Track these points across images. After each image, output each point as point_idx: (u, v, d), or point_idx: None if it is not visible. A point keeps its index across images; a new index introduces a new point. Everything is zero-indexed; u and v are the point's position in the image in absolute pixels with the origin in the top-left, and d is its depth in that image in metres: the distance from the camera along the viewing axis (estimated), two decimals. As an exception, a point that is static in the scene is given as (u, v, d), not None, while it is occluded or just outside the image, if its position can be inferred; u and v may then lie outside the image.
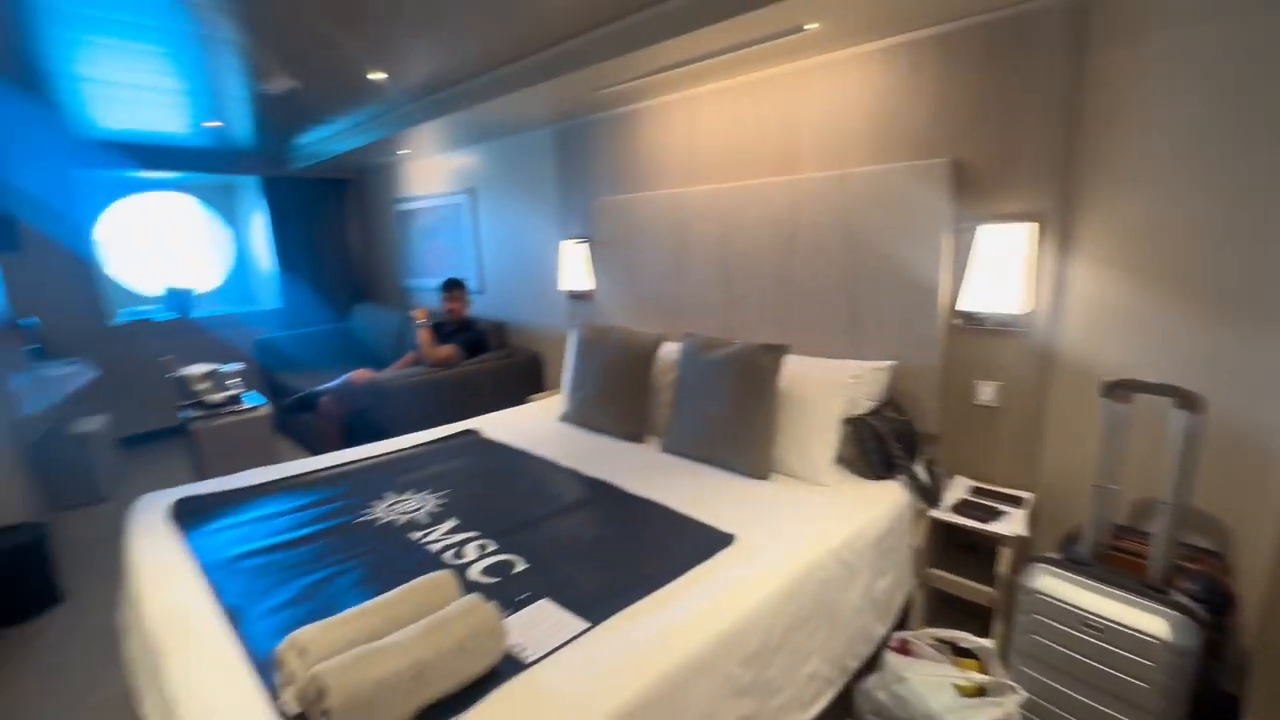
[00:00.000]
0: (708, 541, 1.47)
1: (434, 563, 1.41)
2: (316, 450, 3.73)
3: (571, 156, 3.17)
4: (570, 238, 3.16)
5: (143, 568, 1.44)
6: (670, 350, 2.35)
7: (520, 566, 1.39)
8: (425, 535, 1.55)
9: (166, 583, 1.36)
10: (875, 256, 1.99)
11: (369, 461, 2.09)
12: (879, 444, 1.85)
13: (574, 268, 3.10)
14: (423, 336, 3.33)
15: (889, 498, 1.76)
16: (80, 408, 3.47)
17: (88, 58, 2.35)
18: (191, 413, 3.07)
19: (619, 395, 2.32)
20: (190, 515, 1.66)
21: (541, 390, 3.53)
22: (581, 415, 2.44)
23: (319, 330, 4.80)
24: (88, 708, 1.82)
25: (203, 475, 3.06)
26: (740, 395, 1.92)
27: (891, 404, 1.99)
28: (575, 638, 1.12)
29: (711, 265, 2.47)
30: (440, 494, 1.81)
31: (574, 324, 2.74)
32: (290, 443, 3.99)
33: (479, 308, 3.94)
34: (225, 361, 3.70)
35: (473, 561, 1.41)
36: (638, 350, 2.35)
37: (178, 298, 4.47)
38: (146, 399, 4.15)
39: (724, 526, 1.54)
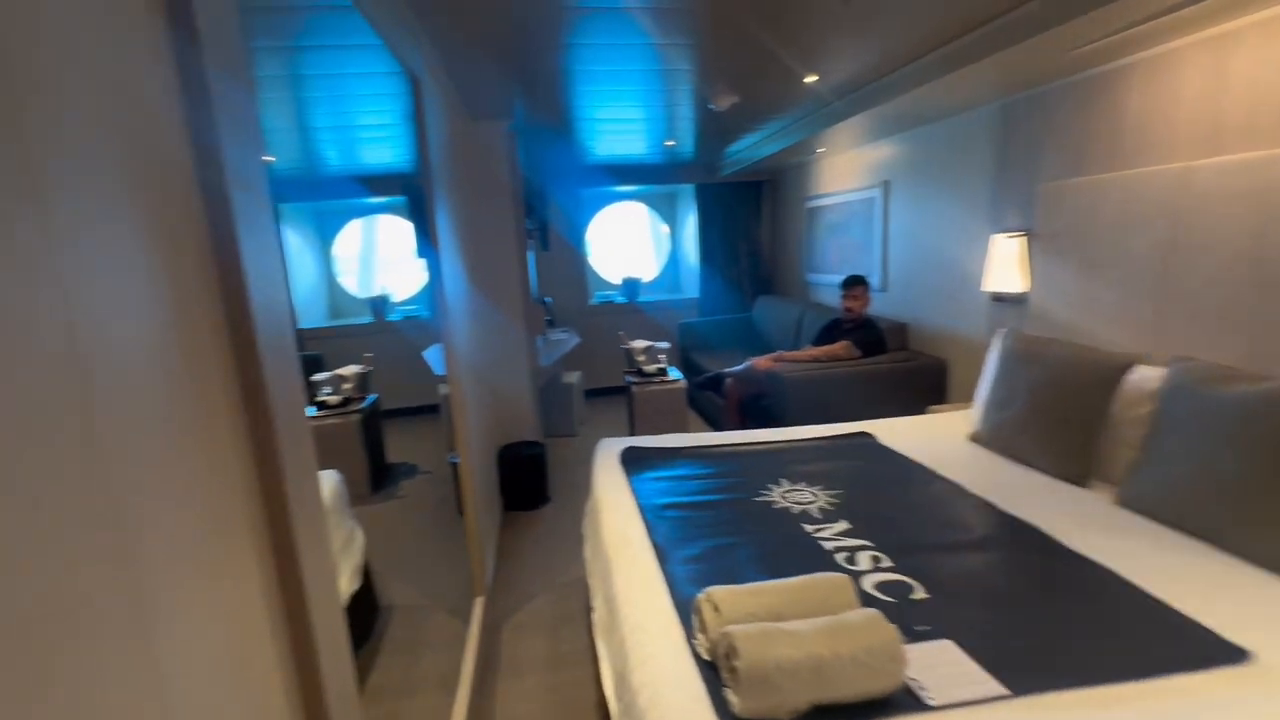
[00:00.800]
0: (1198, 647, 1.08)
1: (826, 561, 1.42)
2: (717, 425, 4.23)
3: (1016, 135, 2.70)
4: (1002, 230, 2.72)
5: (602, 496, 1.87)
6: (1146, 377, 1.79)
7: (919, 593, 1.28)
8: (818, 530, 1.57)
9: (617, 512, 1.73)
10: None
11: (765, 446, 2.23)
12: None
13: (1004, 265, 2.66)
14: (786, 355, 3.42)
15: None
16: (567, 364, 4.73)
17: (593, 104, 3.11)
18: (632, 378, 3.84)
19: (1059, 424, 1.90)
20: (632, 462, 2.08)
21: (944, 401, 3.17)
22: (1000, 439, 2.09)
23: (728, 318, 5.38)
24: (556, 585, 2.49)
25: (633, 427, 3.82)
26: None
27: None
28: (991, 700, 0.96)
29: (1232, 266, 1.77)
30: (832, 492, 1.81)
31: (997, 331, 2.36)
32: (695, 415, 4.61)
33: (879, 306, 3.77)
34: (657, 340, 4.50)
35: (866, 572, 1.37)
36: (1094, 371, 1.87)
37: (630, 286, 5.63)
38: (605, 362, 5.39)
39: (1229, 634, 1.10)
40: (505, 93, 2.75)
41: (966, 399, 2.77)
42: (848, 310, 3.43)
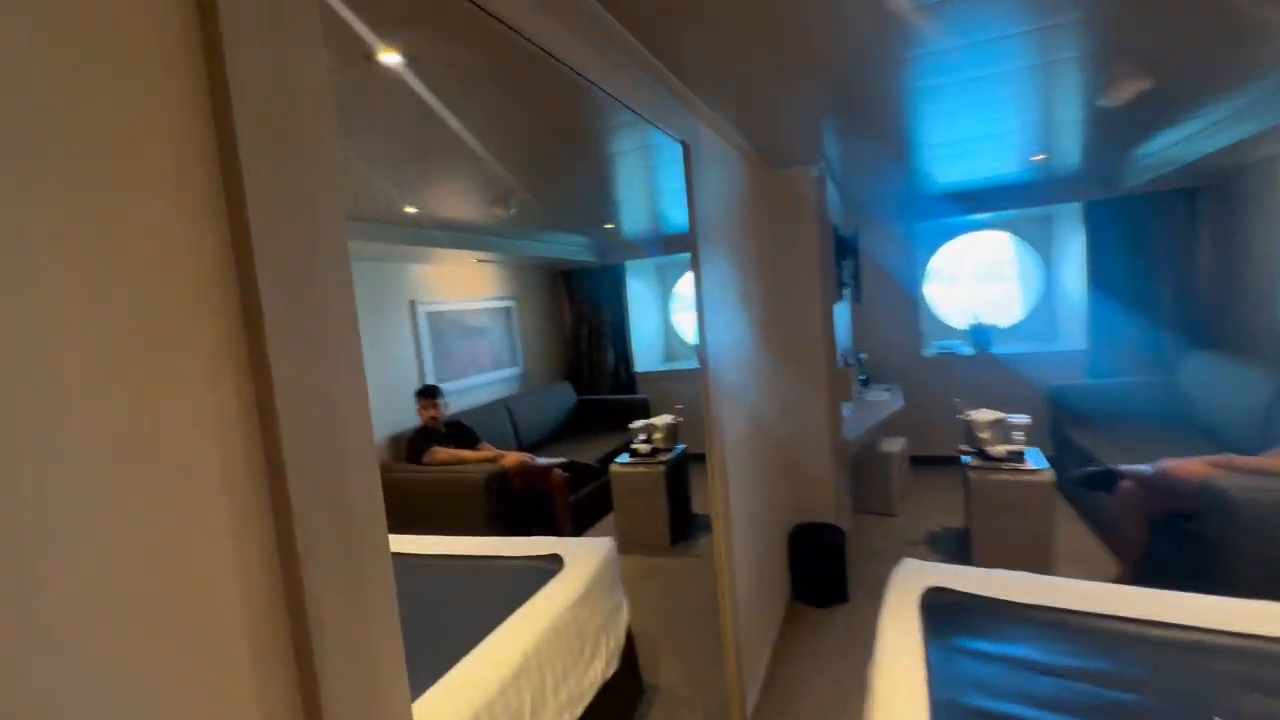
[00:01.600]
0: None
1: None
2: (1107, 538, 3.00)
3: None
4: None
5: (885, 653, 1.37)
6: None
7: None
8: None
9: (898, 696, 1.22)
10: None
11: (1200, 636, 1.36)
12: None
13: None
14: (1242, 461, 2.10)
15: None
16: (889, 428, 4.06)
17: (934, 125, 2.54)
18: (970, 459, 3.02)
19: None
20: (936, 612, 1.50)
21: None
22: None
23: (1132, 382, 3.88)
24: (838, 728, 2.00)
25: (971, 523, 2.97)
26: None
27: None
28: None
29: None
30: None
31: None
32: (1073, 514, 3.40)
33: None
34: (1014, 405, 3.49)
35: None
36: None
37: (980, 333, 4.58)
38: (937, 426, 4.48)
39: None
40: (809, 136, 2.46)
41: None
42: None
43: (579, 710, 1.74)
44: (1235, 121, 2.59)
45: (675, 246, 5.19)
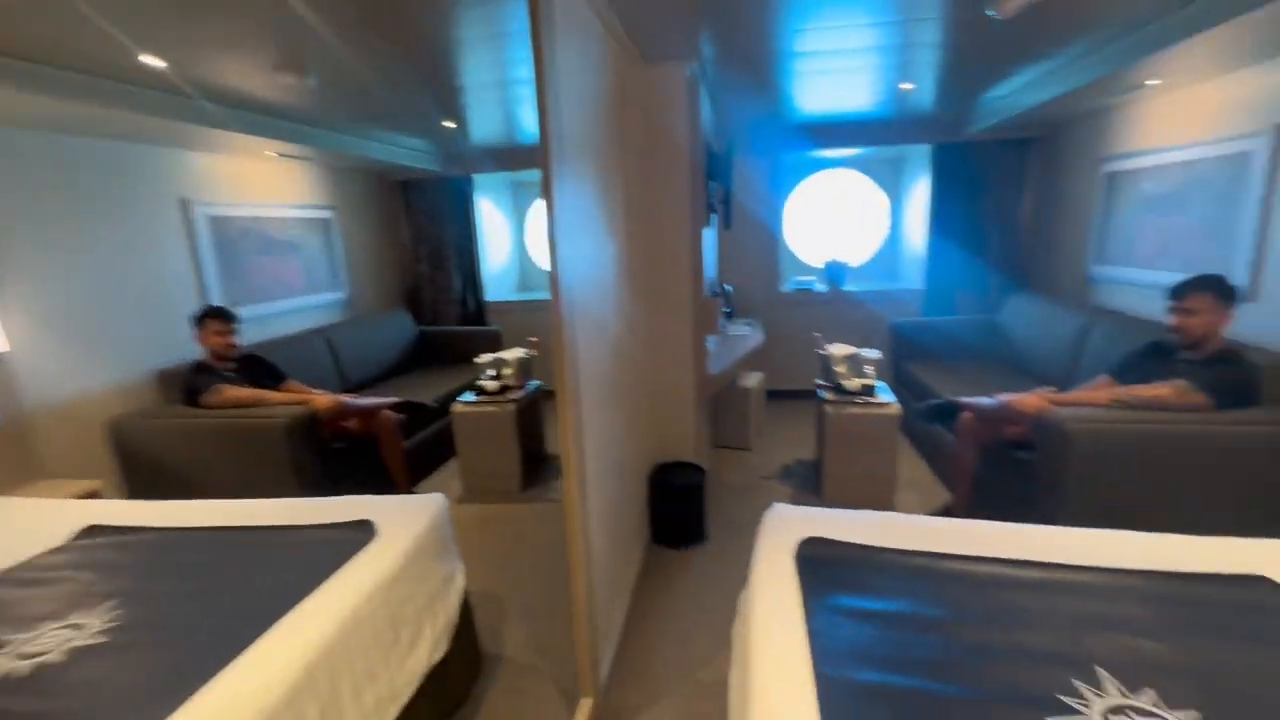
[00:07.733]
0: None
1: None
2: (940, 470, 3.20)
3: None
4: None
5: (759, 630, 1.17)
6: None
7: None
8: None
9: (779, 679, 1.02)
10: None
11: (1046, 575, 1.32)
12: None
13: None
14: (1066, 397, 2.29)
15: None
16: (747, 363, 4.02)
17: (804, 26, 2.26)
18: (826, 394, 3.02)
19: None
20: (813, 566, 1.33)
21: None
22: None
23: (962, 320, 4.16)
24: (694, 683, 1.86)
25: (822, 456, 3.00)
26: None
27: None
28: None
29: None
30: (1225, 735, 0.89)
31: None
32: (910, 449, 3.60)
33: (1248, 325, 2.41)
34: (864, 341, 3.57)
35: None
36: None
37: (834, 271, 4.67)
38: (791, 361, 4.57)
39: None
40: (686, 24, 2.09)
41: None
42: (1184, 331, 2.17)
43: (395, 711, 1.39)
44: (1086, 65, 2.65)
45: (531, 161, 4.61)
